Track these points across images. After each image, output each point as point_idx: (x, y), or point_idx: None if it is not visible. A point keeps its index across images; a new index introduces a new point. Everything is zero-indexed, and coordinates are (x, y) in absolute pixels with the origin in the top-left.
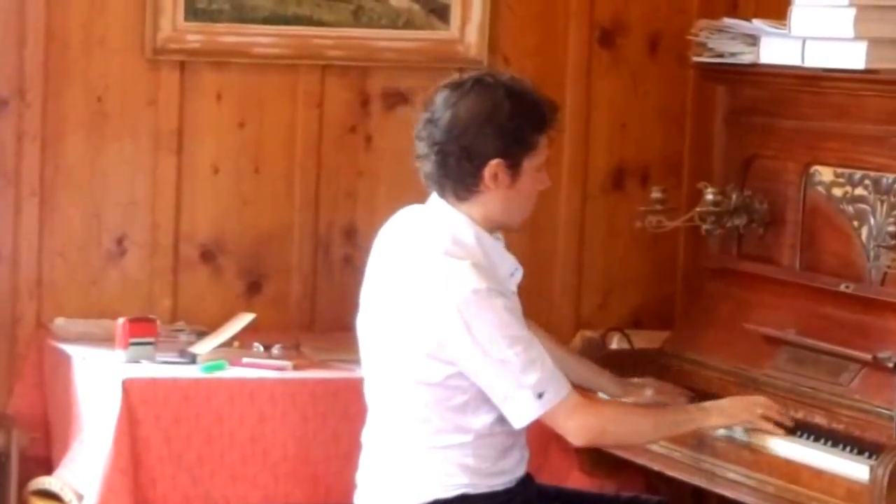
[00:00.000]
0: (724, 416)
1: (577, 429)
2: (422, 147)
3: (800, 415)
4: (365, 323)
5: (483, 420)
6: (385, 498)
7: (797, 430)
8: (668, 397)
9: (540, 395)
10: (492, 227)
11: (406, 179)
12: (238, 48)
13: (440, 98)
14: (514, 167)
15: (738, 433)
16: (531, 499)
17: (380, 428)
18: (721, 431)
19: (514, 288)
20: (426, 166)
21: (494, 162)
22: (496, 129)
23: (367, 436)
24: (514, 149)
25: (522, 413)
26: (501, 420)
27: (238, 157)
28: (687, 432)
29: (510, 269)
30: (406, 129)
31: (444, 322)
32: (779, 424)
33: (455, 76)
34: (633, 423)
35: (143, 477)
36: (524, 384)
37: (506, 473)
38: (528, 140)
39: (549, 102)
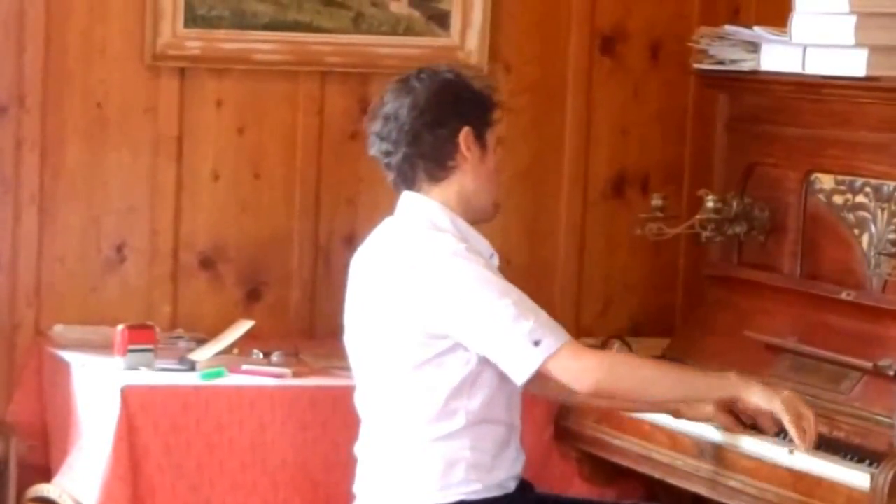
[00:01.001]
0: (764, 396)
1: (585, 373)
2: (386, 145)
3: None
4: (353, 334)
5: (476, 401)
6: None
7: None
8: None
9: (536, 343)
10: (466, 213)
11: None
12: (238, 55)
13: (391, 96)
14: (480, 138)
15: (740, 439)
16: None
17: (376, 434)
18: (720, 439)
19: None
20: (395, 158)
21: (465, 130)
22: (457, 99)
23: (362, 447)
24: (477, 116)
25: (522, 365)
26: (497, 400)
27: (238, 163)
28: (713, 398)
29: (487, 253)
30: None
31: (431, 288)
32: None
33: (394, 79)
34: (647, 372)
35: (141, 484)
36: (517, 332)
37: (502, 471)
38: (485, 111)
39: (489, 84)
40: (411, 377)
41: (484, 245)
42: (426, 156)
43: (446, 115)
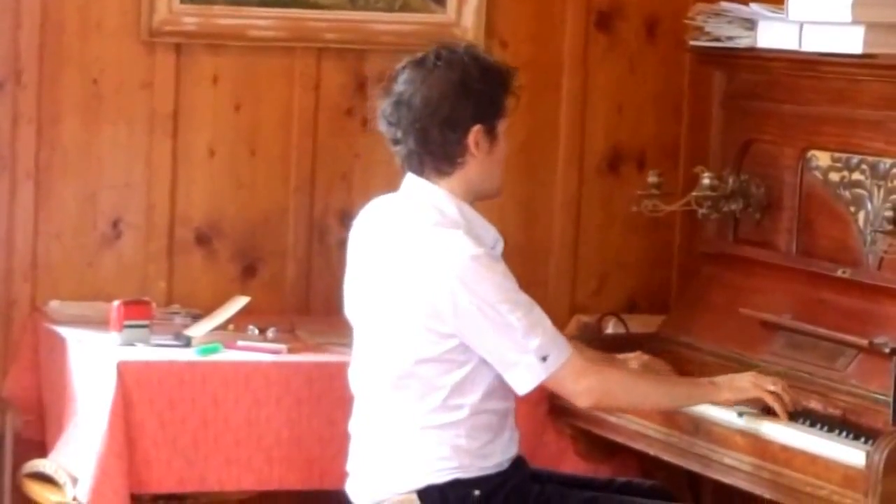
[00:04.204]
0: (734, 391)
1: (584, 391)
2: (395, 131)
3: (800, 406)
4: (355, 311)
5: (478, 393)
6: (378, 485)
7: (793, 415)
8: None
9: (544, 359)
10: (471, 198)
11: None
12: (234, 31)
13: (404, 79)
14: (491, 132)
15: (734, 418)
16: (524, 481)
17: (370, 415)
18: (716, 416)
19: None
20: (404, 148)
21: (476, 128)
22: (471, 95)
23: (356, 425)
24: (490, 112)
25: (527, 378)
26: (495, 393)
27: (234, 140)
28: (697, 404)
29: (492, 241)
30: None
31: (444, 292)
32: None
33: (413, 55)
34: (641, 387)
35: (137, 460)
36: (528, 348)
37: (497, 455)
38: (499, 102)
39: (507, 66)
40: (413, 370)
41: (490, 232)
42: (434, 153)
43: (458, 115)
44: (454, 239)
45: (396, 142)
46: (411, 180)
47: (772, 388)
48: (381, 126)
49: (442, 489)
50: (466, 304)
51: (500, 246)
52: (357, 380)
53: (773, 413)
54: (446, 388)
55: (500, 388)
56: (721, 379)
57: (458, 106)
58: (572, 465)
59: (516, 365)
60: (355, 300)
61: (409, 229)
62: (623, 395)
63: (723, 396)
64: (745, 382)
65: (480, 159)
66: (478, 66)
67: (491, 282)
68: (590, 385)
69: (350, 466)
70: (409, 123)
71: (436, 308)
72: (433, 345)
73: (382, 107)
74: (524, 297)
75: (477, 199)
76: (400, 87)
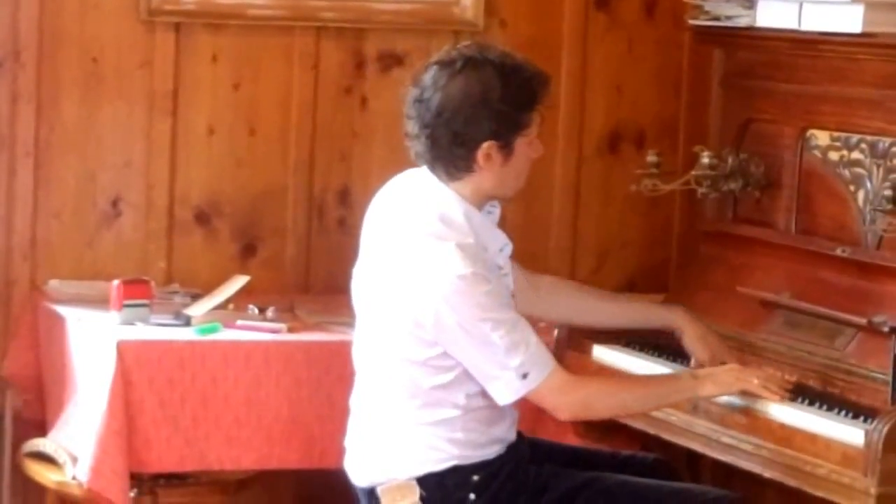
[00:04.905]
0: (717, 385)
1: (563, 406)
2: (412, 126)
3: (794, 379)
4: (358, 293)
5: (469, 395)
6: (377, 469)
7: (792, 394)
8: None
9: (524, 376)
10: (483, 201)
11: (401, 142)
12: (233, 10)
13: (429, 76)
14: (506, 147)
15: (734, 398)
16: (522, 463)
17: (368, 397)
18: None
19: (503, 263)
20: (417, 146)
21: (486, 144)
22: (487, 112)
23: (356, 401)
24: (506, 130)
25: (507, 392)
26: (486, 393)
27: (233, 118)
28: (678, 402)
29: (500, 245)
30: (402, 91)
31: (428, 307)
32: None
33: (446, 52)
34: (619, 397)
35: (137, 439)
36: (508, 366)
37: (496, 442)
38: (519, 121)
39: (539, 77)
40: (401, 369)
41: (498, 238)
42: (444, 159)
43: (469, 131)
44: (444, 254)
45: (410, 137)
46: (424, 174)
47: (755, 380)
48: (406, 116)
49: (440, 476)
50: (448, 322)
51: (509, 249)
52: (358, 358)
53: None
54: (434, 391)
55: None
56: (703, 373)
57: (473, 121)
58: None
59: (496, 379)
60: (358, 286)
61: (407, 235)
62: (602, 406)
63: (705, 391)
64: (729, 377)
65: (492, 171)
66: (502, 80)
67: (474, 301)
68: (570, 401)
69: (348, 442)
70: (423, 125)
71: (419, 319)
72: (418, 349)
73: (407, 96)
74: (509, 315)
75: (489, 200)
76: (425, 82)
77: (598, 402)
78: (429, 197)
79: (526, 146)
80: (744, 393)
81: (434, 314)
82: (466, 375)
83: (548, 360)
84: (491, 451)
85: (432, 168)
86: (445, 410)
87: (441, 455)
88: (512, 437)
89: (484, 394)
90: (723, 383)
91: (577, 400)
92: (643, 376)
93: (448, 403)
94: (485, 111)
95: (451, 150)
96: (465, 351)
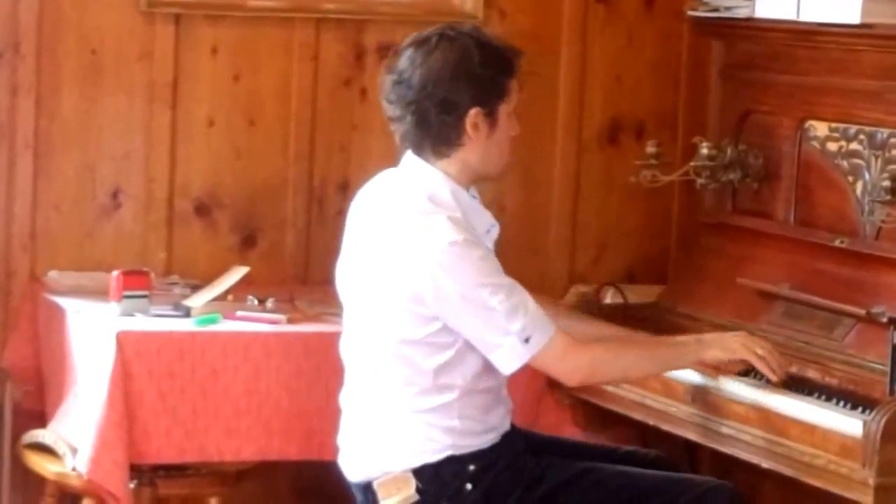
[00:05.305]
0: (723, 349)
1: (569, 370)
2: (394, 109)
3: (793, 369)
4: (345, 286)
5: (467, 374)
6: (372, 463)
7: (791, 384)
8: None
9: (526, 340)
10: (470, 180)
11: None
12: (233, 1)
13: (405, 57)
14: (491, 115)
15: (733, 385)
16: (517, 453)
17: (361, 391)
18: (713, 385)
19: (490, 245)
20: (402, 127)
21: (473, 111)
22: (469, 78)
23: (347, 398)
24: (490, 96)
25: (511, 359)
26: (485, 372)
27: (233, 110)
28: (686, 364)
29: (486, 226)
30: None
31: (424, 277)
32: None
33: (417, 34)
34: (625, 359)
35: (136, 430)
36: (510, 331)
37: (491, 430)
38: (500, 86)
39: (513, 48)
40: (398, 351)
41: (484, 218)
42: (431, 134)
43: (455, 97)
44: (436, 225)
45: (395, 120)
46: (409, 159)
47: (760, 351)
48: (382, 103)
49: (437, 466)
50: (447, 289)
51: (496, 231)
52: (348, 353)
53: (761, 377)
54: (432, 372)
55: (489, 366)
56: (709, 337)
57: (456, 88)
58: (571, 435)
59: (499, 347)
60: (345, 277)
61: (397, 214)
62: (608, 369)
63: (710, 353)
64: (735, 343)
65: (480, 142)
66: (479, 49)
67: (471, 266)
68: (576, 364)
69: (341, 440)
70: (407, 103)
71: (417, 293)
72: (416, 327)
73: (384, 84)
74: (506, 280)
75: (477, 180)
76: (401, 65)
77: (605, 366)
78: (416, 178)
79: (506, 118)
80: (743, 361)
81: (433, 285)
82: (465, 352)
83: (548, 323)
84: (486, 440)
85: (419, 149)
86: (442, 396)
87: (436, 445)
88: (506, 426)
89: (481, 374)
90: (727, 348)
91: (584, 364)
92: (648, 339)
93: (445, 388)
94: (467, 78)
95: (440, 120)
96: (465, 321)
